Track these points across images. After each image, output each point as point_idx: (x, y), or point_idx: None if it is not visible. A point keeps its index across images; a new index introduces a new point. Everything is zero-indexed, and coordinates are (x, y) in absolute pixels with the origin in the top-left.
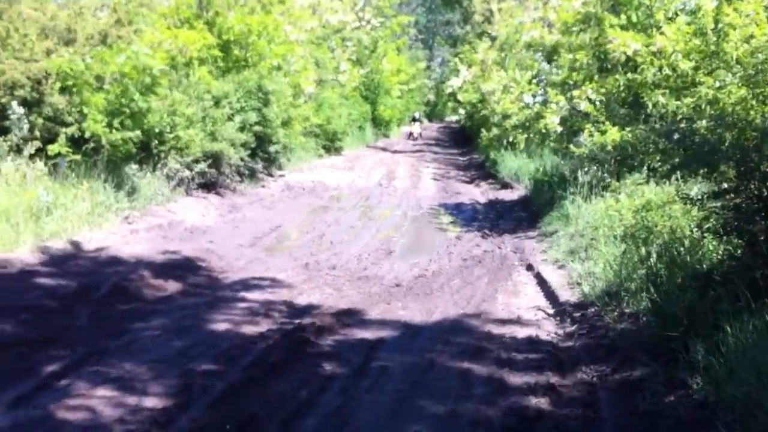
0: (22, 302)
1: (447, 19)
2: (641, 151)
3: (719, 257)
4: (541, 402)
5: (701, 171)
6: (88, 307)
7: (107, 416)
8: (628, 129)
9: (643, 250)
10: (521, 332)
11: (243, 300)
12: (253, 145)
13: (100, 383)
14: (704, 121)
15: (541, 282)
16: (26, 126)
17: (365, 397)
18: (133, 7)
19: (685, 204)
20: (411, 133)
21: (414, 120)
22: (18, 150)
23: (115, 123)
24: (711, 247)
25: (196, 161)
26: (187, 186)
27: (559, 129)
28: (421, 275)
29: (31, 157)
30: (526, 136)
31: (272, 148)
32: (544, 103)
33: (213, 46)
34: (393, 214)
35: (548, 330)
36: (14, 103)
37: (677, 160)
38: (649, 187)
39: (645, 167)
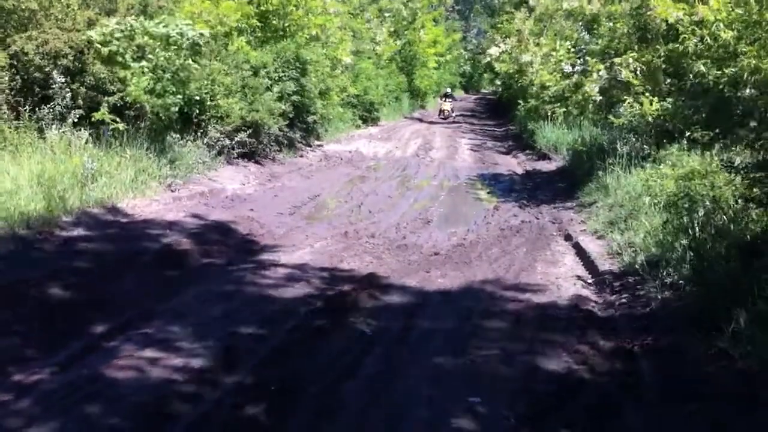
0: (70, 267)
1: None
2: (682, 120)
3: (763, 227)
4: (582, 369)
5: (744, 140)
6: (133, 271)
7: (155, 376)
8: (669, 99)
9: (685, 220)
10: (561, 301)
11: (284, 266)
12: (291, 115)
13: (148, 345)
14: (747, 90)
15: (580, 252)
16: (69, 95)
17: (406, 362)
18: None
19: (729, 173)
20: (442, 111)
21: (445, 96)
22: (62, 118)
23: (157, 89)
24: (755, 216)
25: (236, 130)
26: (228, 155)
27: (599, 98)
28: (460, 244)
29: (75, 125)
30: (564, 109)
31: (310, 119)
32: (584, 72)
33: (251, 16)
34: (430, 184)
35: (588, 299)
36: (55, 73)
37: (718, 130)
38: (691, 157)
39: (686, 137)
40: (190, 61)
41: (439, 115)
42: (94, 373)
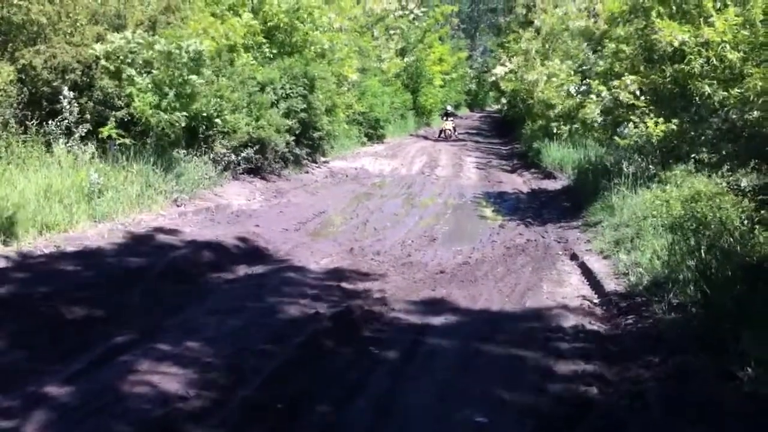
0: (78, 281)
1: (491, 8)
2: (689, 142)
3: None
4: (589, 391)
5: (752, 162)
6: (141, 286)
7: (163, 391)
8: (674, 120)
9: (692, 241)
10: (567, 321)
11: (291, 283)
12: (297, 132)
13: (156, 360)
14: (755, 113)
15: (586, 272)
16: (76, 109)
17: (413, 381)
18: None
19: (736, 195)
20: (443, 131)
21: (447, 115)
22: (69, 133)
23: (163, 104)
24: (762, 239)
25: (243, 146)
26: (234, 170)
27: (599, 119)
28: (465, 263)
29: (82, 139)
30: (569, 127)
31: (316, 135)
32: (587, 93)
33: (258, 32)
34: (435, 202)
35: (594, 319)
36: (65, 88)
37: (725, 151)
38: (697, 179)
39: (692, 158)
40: (193, 77)
41: (439, 135)
42: (103, 387)
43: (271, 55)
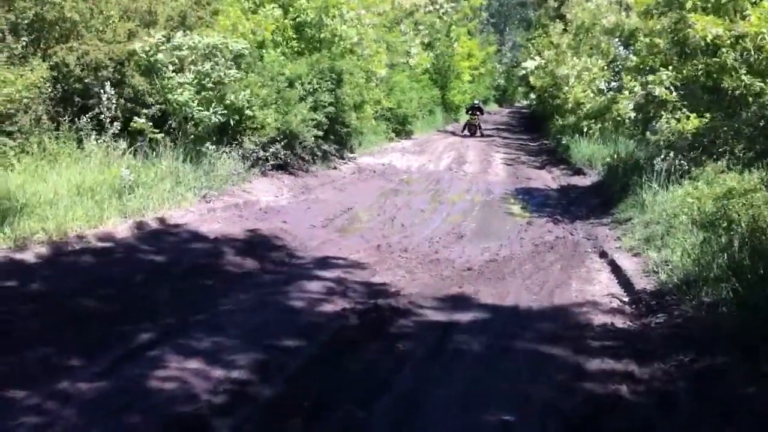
0: (107, 277)
1: (520, 2)
2: (723, 137)
3: None
4: (618, 389)
5: None
6: (170, 282)
7: (190, 387)
8: (708, 116)
9: (723, 239)
10: (596, 319)
11: (317, 279)
12: (325, 127)
13: (184, 355)
14: None
15: (616, 269)
16: (113, 106)
17: (439, 378)
18: None
19: None
20: (469, 126)
21: (473, 109)
22: (102, 129)
23: (198, 99)
24: None
25: (271, 142)
26: (262, 166)
27: (632, 115)
28: (492, 260)
29: (114, 136)
30: (599, 125)
31: (344, 131)
32: (619, 89)
33: (287, 28)
34: (463, 198)
35: (624, 318)
36: (107, 85)
37: (759, 147)
38: (730, 175)
39: (725, 154)
40: (233, 72)
41: (463, 130)
42: (130, 383)
43: (299, 50)
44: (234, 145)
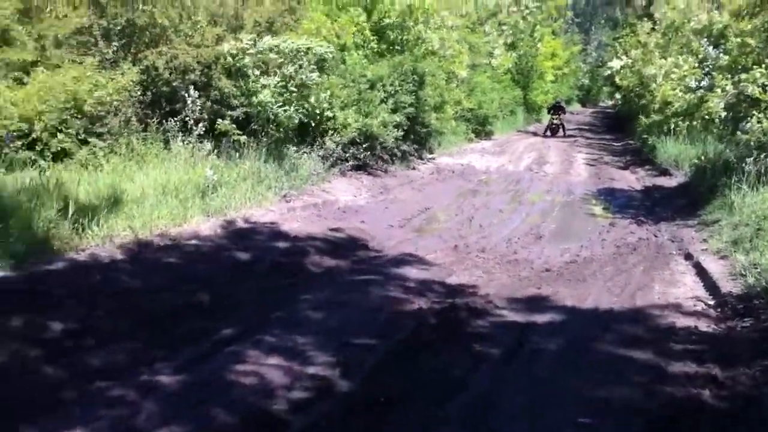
0: (190, 274)
1: (607, 0)
2: None
3: None
4: (701, 394)
5: None
6: (251, 279)
7: (268, 382)
8: None
9: None
10: (680, 322)
11: (395, 278)
12: (405, 128)
13: (264, 351)
14: None
15: (701, 272)
16: (198, 108)
17: (516, 379)
18: None
19: None
20: (550, 126)
21: (555, 108)
22: (187, 130)
23: (281, 101)
24: None
25: (351, 142)
26: (341, 166)
27: (723, 114)
28: (572, 261)
29: (199, 137)
30: (687, 123)
31: (423, 131)
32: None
33: (369, 30)
34: (543, 199)
35: (709, 321)
36: (191, 88)
37: None
38: None
39: None
40: (314, 75)
41: (545, 131)
42: (211, 377)
43: (380, 52)
44: (315, 145)
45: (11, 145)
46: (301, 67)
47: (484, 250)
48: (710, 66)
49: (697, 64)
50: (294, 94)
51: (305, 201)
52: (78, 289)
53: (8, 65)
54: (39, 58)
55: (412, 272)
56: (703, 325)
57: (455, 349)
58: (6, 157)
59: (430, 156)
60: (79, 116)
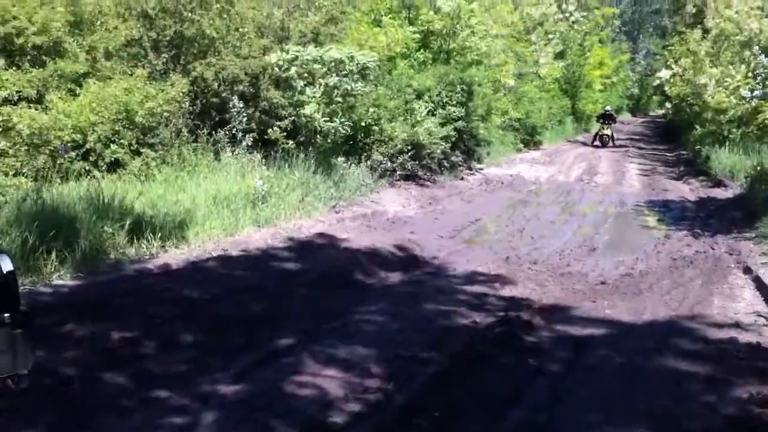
0: (243, 284)
1: (655, 9)
2: None
3: None
4: (764, 413)
5: None
6: (302, 290)
7: (323, 393)
8: None
9: None
10: (740, 338)
11: (447, 290)
12: (453, 139)
13: (318, 361)
14: None
15: (761, 286)
16: (244, 118)
17: (572, 394)
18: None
19: None
20: (600, 136)
21: (604, 117)
22: (237, 141)
23: (327, 111)
24: None
25: (399, 153)
26: (390, 177)
27: None
28: (628, 274)
29: (249, 148)
30: (742, 130)
31: (472, 142)
32: (764, 97)
33: (415, 40)
34: (595, 210)
35: None
36: (235, 98)
37: None
38: None
39: None
40: (359, 85)
41: (594, 141)
42: (267, 387)
43: (424, 60)
44: (362, 156)
45: (66, 155)
46: (345, 76)
47: (536, 262)
48: (763, 74)
49: (750, 72)
50: (340, 105)
51: (354, 212)
52: (136, 299)
53: (61, 77)
54: (90, 70)
55: (463, 285)
56: (766, 341)
57: (510, 363)
58: (61, 168)
59: (479, 166)
60: (131, 127)
